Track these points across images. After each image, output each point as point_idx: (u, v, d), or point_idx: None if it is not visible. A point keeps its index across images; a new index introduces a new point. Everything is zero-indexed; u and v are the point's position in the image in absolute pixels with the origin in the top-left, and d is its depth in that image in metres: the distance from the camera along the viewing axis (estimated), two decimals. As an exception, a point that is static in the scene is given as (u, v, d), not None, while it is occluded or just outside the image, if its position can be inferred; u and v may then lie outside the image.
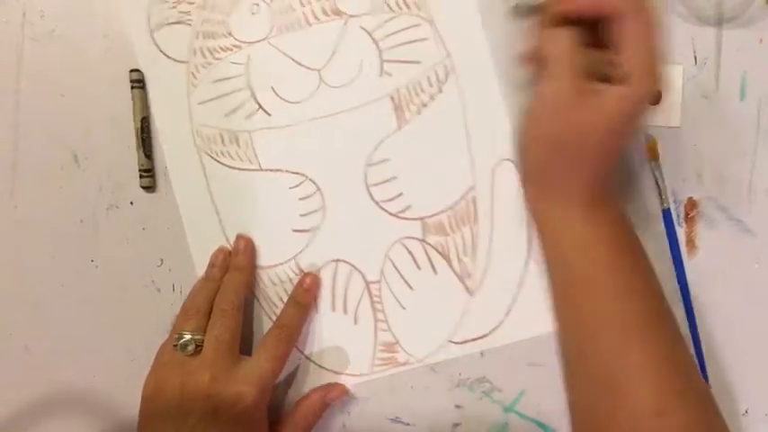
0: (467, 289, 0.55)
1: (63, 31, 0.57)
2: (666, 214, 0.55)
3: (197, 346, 0.51)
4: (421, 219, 0.55)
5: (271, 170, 0.56)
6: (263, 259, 0.56)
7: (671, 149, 0.55)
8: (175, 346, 0.51)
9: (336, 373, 0.56)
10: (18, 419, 0.56)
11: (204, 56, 0.56)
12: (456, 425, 0.55)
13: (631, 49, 0.44)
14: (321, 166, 0.56)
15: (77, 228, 0.57)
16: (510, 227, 0.55)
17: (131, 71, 0.56)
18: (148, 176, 0.56)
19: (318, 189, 0.56)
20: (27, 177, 0.57)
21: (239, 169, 0.56)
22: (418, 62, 0.56)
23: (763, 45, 0.55)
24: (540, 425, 0.55)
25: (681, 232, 0.55)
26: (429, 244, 0.55)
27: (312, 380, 0.56)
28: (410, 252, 0.55)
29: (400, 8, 0.56)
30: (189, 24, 0.56)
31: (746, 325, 0.55)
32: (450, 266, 0.55)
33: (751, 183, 0.55)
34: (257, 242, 0.56)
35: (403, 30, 0.56)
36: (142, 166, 0.56)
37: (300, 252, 0.56)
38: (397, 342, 0.55)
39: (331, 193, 0.56)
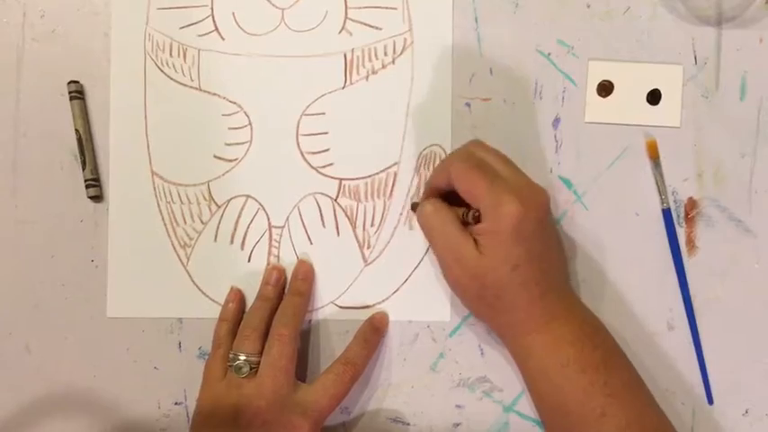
0: (364, 258, 0.56)
1: (63, 31, 0.57)
2: (666, 214, 0.55)
3: (251, 368, 0.51)
4: (339, 179, 0.56)
5: (208, 92, 0.57)
6: (177, 174, 0.56)
7: (671, 149, 0.55)
8: (230, 366, 0.52)
9: (214, 302, 0.56)
10: (18, 419, 0.56)
11: None
12: (456, 425, 0.55)
13: (468, 193, 0.49)
14: (259, 102, 0.56)
15: (77, 228, 0.57)
16: None
17: (70, 82, 0.56)
18: (95, 186, 0.56)
19: (250, 123, 0.56)
20: (27, 177, 0.57)
21: (178, 83, 0.57)
22: (380, 29, 0.56)
23: (763, 45, 0.56)
24: (541, 425, 0.55)
25: (681, 232, 0.55)
26: (340, 205, 0.56)
27: (191, 302, 0.56)
28: (320, 208, 0.56)
29: None
30: None
31: (746, 325, 0.55)
32: (354, 232, 0.56)
33: (751, 183, 0.55)
34: (177, 157, 0.56)
35: None
36: (87, 176, 0.56)
37: (215, 179, 0.56)
38: (284, 290, 0.56)
39: (261, 131, 0.56)
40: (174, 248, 0.56)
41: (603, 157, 0.56)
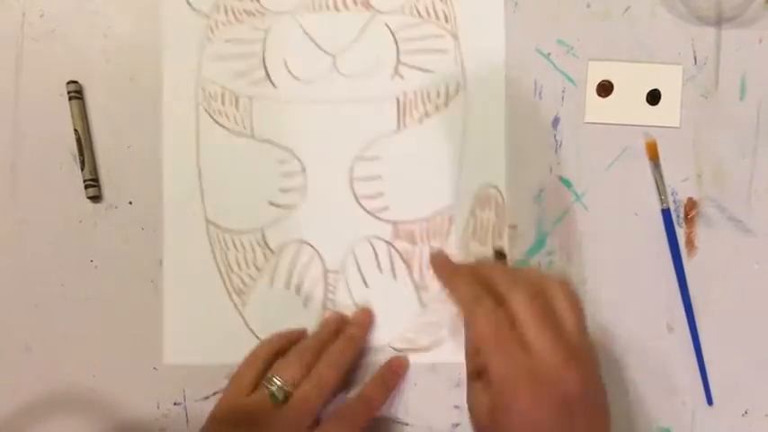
0: (420, 301, 0.55)
1: (63, 31, 0.57)
2: (666, 214, 0.55)
3: (285, 397, 0.50)
4: (394, 222, 0.56)
5: (262, 140, 0.56)
6: (232, 222, 0.56)
7: (671, 149, 0.55)
8: (265, 385, 0.50)
9: None
10: (18, 419, 0.56)
11: (227, 14, 0.56)
12: (456, 425, 0.55)
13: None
14: (312, 148, 0.56)
15: (77, 228, 0.57)
16: (478, 252, 0.55)
17: (69, 83, 0.56)
18: (94, 186, 0.56)
19: (304, 169, 0.56)
20: (27, 177, 0.57)
21: (232, 131, 0.56)
22: (432, 72, 0.56)
23: (762, 45, 0.55)
24: (540, 425, 0.55)
25: (681, 232, 0.55)
26: (396, 249, 0.56)
27: (248, 348, 0.54)
28: (375, 252, 0.56)
29: (429, 16, 0.56)
30: None
31: (746, 325, 0.55)
32: (411, 275, 0.56)
33: (751, 183, 0.55)
34: (231, 205, 0.56)
35: (426, 37, 0.56)
36: (86, 176, 0.56)
37: (270, 225, 0.56)
38: None
39: (315, 177, 0.56)
40: (230, 295, 0.56)
41: (603, 157, 0.56)
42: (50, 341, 0.56)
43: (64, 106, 0.56)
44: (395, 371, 0.55)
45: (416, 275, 0.56)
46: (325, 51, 0.56)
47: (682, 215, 0.55)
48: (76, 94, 0.56)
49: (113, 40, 0.57)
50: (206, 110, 0.56)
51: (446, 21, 0.56)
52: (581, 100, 0.56)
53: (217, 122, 0.56)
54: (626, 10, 0.56)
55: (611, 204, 0.56)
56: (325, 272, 0.56)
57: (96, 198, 0.56)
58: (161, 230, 0.56)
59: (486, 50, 0.56)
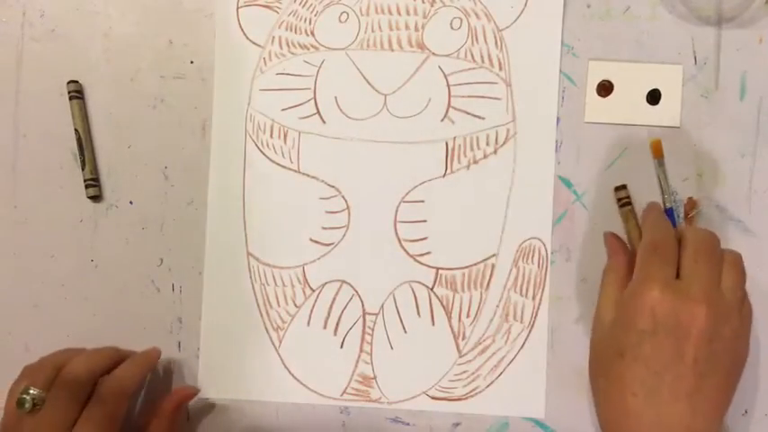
0: (458, 349, 0.55)
1: (63, 31, 0.57)
2: (669, 213, 0.55)
3: (35, 404, 0.48)
4: (436, 268, 0.55)
5: (308, 175, 0.56)
6: (272, 256, 0.56)
7: (671, 149, 0.55)
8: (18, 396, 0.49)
9: (306, 387, 0.55)
10: (18, 419, 0.56)
11: (281, 46, 0.56)
12: (456, 424, 0.55)
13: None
14: (358, 187, 0.56)
15: (77, 228, 0.57)
16: (519, 304, 0.55)
17: (69, 82, 0.56)
18: (94, 186, 0.56)
19: (348, 208, 0.56)
20: (27, 177, 0.57)
21: (278, 164, 0.56)
22: (483, 118, 0.56)
23: (762, 45, 0.56)
24: (541, 425, 0.55)
25: (681, 232, 0.55)
26: (436, 295, 0.55)
27: (282, 386, 0.55)
28: (415, 297, 0.55)
29: (483, 61, 0.56)
30: (276, 11, 0.57)
31: (746, 325, 0.55)
32: (449, 323, 0.55)
33: (751, 183, 0.55)
34: (273, 239, 0.56)
35: (479, 83, 0.56)
36: (87, 176, 0.56)
37: (310, 263, 0.56)
38: (375, 378, 0.55)
39: (358, 216, 0.56)
40: (267, 331, 0.56)
41: (603, 157, 0.56)
42: (50, 341, 0.56)
43: (64, 106, 0.56)
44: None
45: (455, 323, 0.55)
46: (376, 90, 0.56)
47: (682, 215, 0.55)
48: (77, 93, 0.56)
49: (114, 40, 0.57)
50: (253, 141, 0.56)
51: (500, 68, 0.56)
52: (581, 100, 0.56)
53: (263, 154, 0.56)
54: (626, 10, 0.56)
55: (611, 204, 0.56)
56: (364, 314, 0.55)
57: (97, 198, 0.56)
58: (162, 230, 0.56)
59: (538, 98, 0.56)
